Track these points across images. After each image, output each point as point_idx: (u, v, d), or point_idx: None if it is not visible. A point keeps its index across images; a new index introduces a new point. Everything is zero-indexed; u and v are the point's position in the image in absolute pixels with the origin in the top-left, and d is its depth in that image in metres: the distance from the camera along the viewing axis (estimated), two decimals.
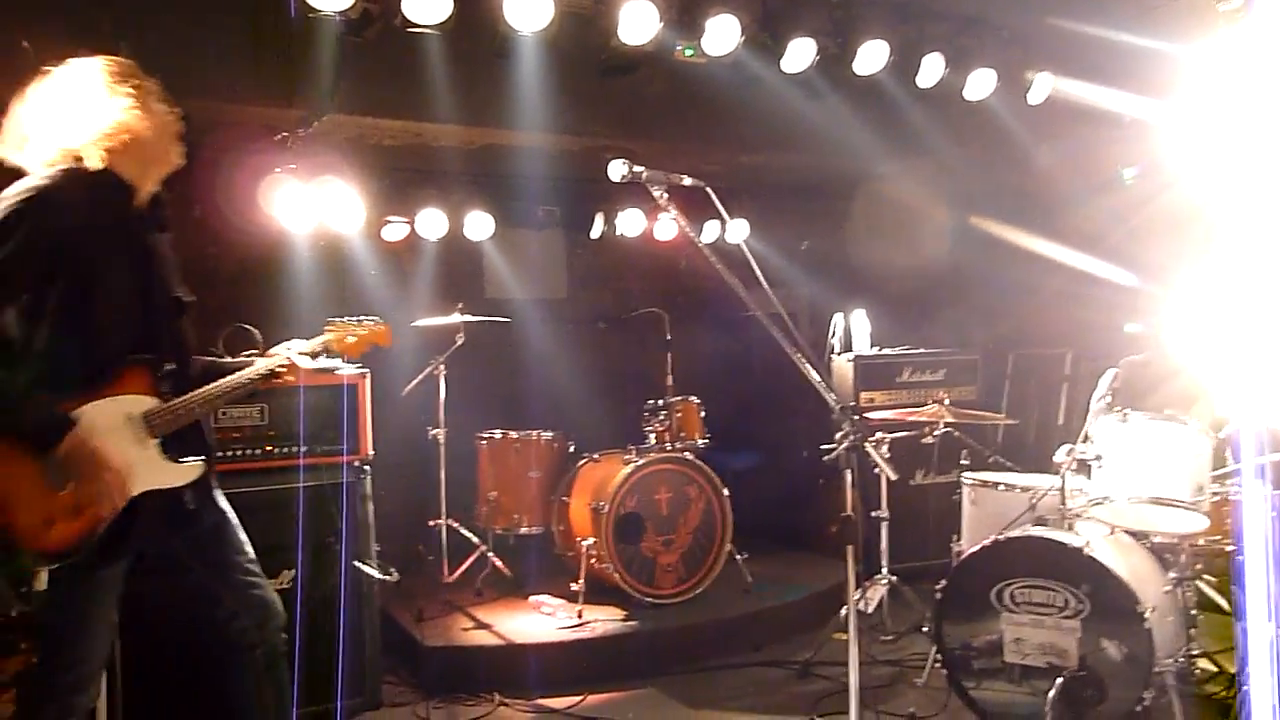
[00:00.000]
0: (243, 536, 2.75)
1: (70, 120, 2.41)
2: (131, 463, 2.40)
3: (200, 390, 2.60)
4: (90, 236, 2.37)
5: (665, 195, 2.95)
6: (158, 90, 2.56)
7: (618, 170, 2.86)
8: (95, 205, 2.40)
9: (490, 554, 5.37)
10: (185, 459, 2.53)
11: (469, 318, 5.38)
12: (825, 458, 2.93)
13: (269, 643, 2.73)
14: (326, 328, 3.01)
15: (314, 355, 2.92)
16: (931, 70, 4.82)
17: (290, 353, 2.86)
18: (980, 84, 5.01)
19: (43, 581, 2.34)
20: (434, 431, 5.46)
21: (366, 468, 4.11)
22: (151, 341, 2.51)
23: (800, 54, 4.52)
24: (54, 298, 2.31)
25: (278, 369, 2.80)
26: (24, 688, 2.57)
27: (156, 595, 3.52)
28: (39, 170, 2.38)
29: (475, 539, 5.45)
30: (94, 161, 2.41)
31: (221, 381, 2.66)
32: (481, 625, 4.76)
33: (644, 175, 2.88)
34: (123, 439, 2.40)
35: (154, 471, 2.46)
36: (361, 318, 3.06)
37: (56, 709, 2.40)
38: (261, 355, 3.82)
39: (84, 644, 2.42)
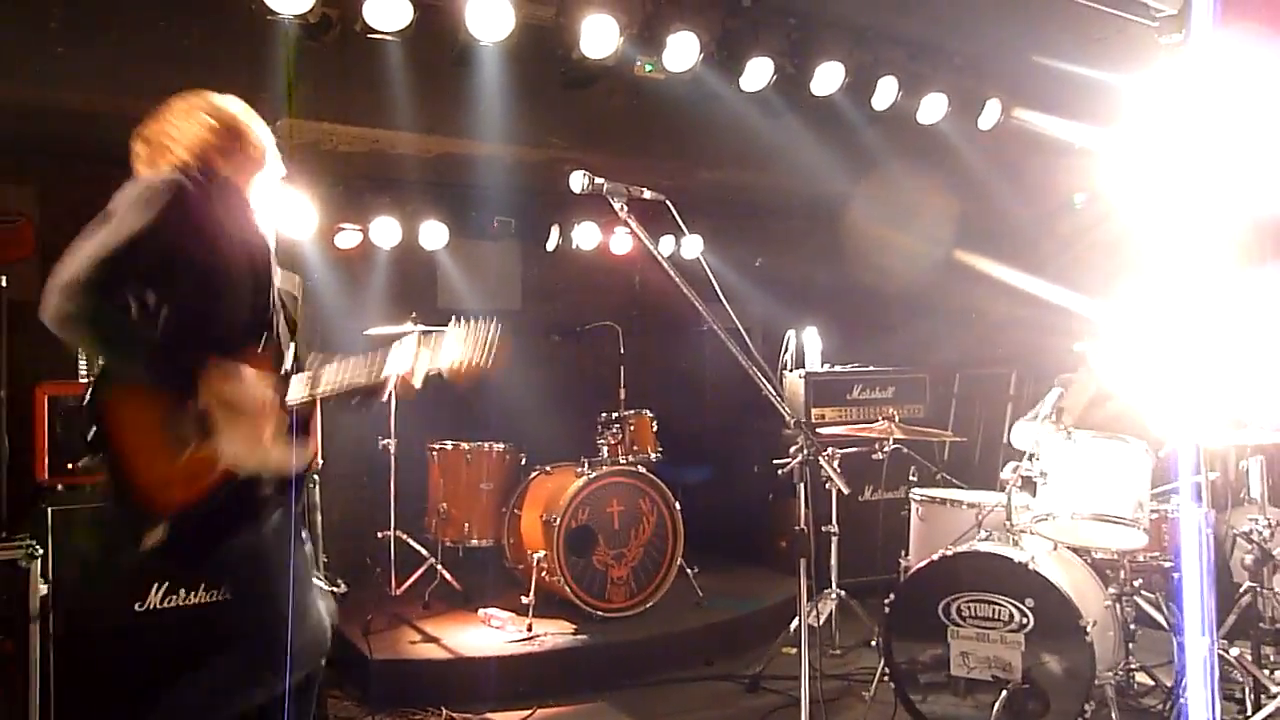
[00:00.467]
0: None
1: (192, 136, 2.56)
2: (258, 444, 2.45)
3: (326, 375, 2.60)
4: (215, 231, 2.46)
5: (625, 208, 2.96)
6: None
7: (578, 182, 2.87)
8: (218, 202, 2.51)
9: (439, 566, 5.32)
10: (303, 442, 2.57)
11: (422, 327, 5.32)
12: (780, 471, 2.95)
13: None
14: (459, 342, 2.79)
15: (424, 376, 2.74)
16: (886, 93, 4.92)
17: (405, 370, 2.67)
18: (932, 108, 5.12)
19: (156, 537, 2.33)
20: (384, 441, 5.39)
21: (315, 477, 4.05)
22: (260, 328, 2.57)
23: (758, 73, 4.58)
24: (181, 283, 2.40)
25: (381, 384, 2.66)
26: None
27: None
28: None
29: (424, 551, 5.39)
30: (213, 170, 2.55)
31: (346, 373, 2.61)
32: (429, 638, 4.71)
33: (604, 187, 2.89)
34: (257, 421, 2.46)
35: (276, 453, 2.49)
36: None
37: None
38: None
39: None
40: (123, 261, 2.31)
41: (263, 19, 3.67)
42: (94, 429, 2.33)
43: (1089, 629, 3.44)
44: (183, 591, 3.66)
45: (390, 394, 2.70)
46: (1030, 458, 3.89)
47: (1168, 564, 3.99)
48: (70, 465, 3.59)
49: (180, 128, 2.57)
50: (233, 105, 2.68)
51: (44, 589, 3.25)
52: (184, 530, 2.37)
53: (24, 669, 3.01)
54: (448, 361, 2.72)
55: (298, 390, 2.57)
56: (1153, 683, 3.92)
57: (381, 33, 3.87)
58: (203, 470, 2.37)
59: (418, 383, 2.67)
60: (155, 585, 3.61)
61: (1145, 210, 4.98)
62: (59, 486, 3.58)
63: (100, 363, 2.42)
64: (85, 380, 3.72)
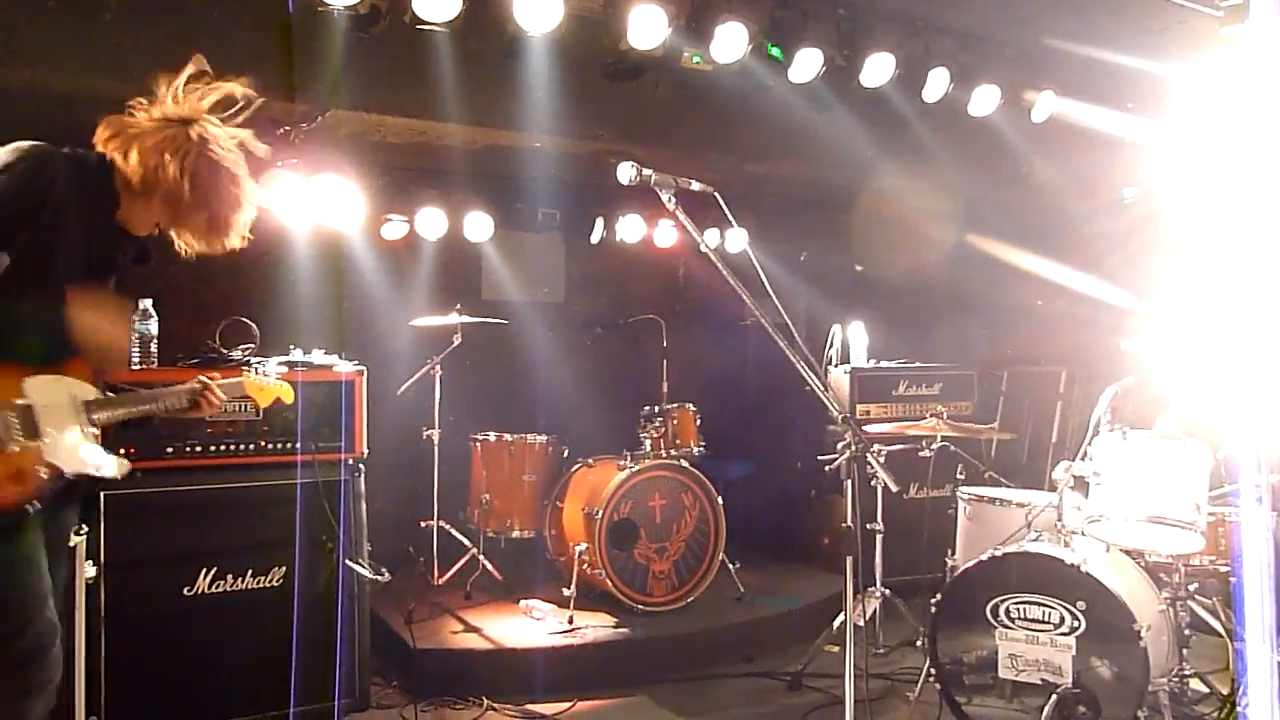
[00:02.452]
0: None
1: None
2: (66, 438, 2.40)
3: (141, 392, 2.67)
4: (70, 207, 2.37)
5: (673, 200, 2.93)
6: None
7: (626, 173, 2.84)
8: (85, 187, 2.42)
9: (481, 557, 5.34)
10: (113, 454, 2.54)
11: (466, 318, 5.36)
12: (826, 468, 2.91)
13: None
14: (247, 374, 3.19)
15: (232, 391, 2.98)
16: (937, 85, 4.83)
17: (217, 388, 2.87)
18: (984, 100, 5.02)
19: None
20: (428, 432, 5.43)
21: (361, 466, 4.08)
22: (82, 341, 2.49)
23: (807, 65, 4.52)
24: (22, 252, 2.30)
25: (196, 395, 2.81)
26: None
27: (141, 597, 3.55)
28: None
29: (466, 541, 5.42)
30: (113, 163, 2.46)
31: (162, 390, 2.73)
32: (471, 629, 4.73)
33: (653, 179, 2.87)
34: (63, 414, 2.41)
35: (76, 457, 2.44)
36: (268, 378, 3.27)
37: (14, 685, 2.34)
38: (256, 351, 3.84)
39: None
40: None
41: (313, 10, 3.69)
42: None
43: (1142, 633, 3.36)
44: (230, 577, 3.72)
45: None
46: (1084, 457, 3.81)
47: (1224, 568, 3.89)
48: (123, 451, 3.64)
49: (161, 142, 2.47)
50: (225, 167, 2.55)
51: (92, 570, 3.31)
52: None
53: (70, 645, 3.06)
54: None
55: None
56: (1207, 690, 3.84)
57: (430, 24, 3.87)
58: (28, 466, 2.32)
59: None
60: (204, 570, 3.67)
61: (1201, 207, 4.85)
62: None
63: None
64: (139, 367, 3.78)
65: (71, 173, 2.40)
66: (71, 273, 2.40)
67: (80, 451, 2.43)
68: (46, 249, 2.34)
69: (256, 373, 3.27)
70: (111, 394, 2.61)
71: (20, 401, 2.31)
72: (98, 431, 2.50)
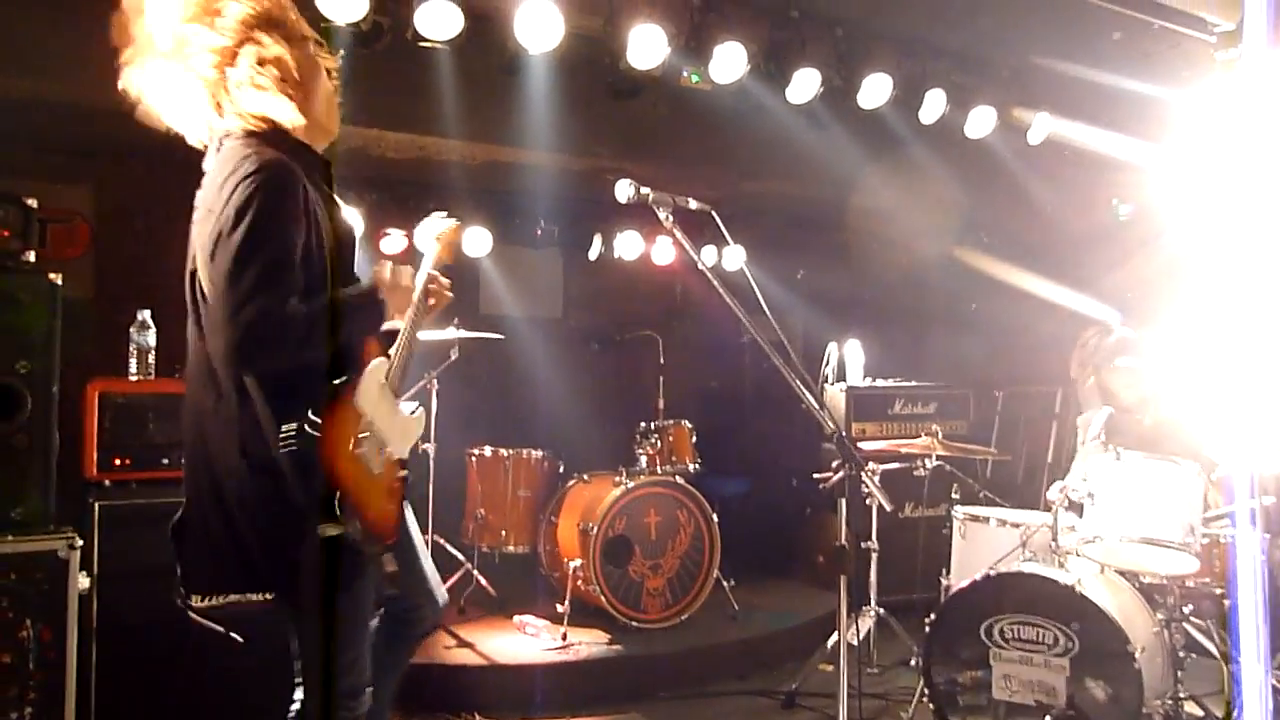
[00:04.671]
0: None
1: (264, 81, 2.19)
2: (400, 427, 2.33)
3: (402, 336, 2.43)
4: (311, 204, 2.18)
5: (670, 218, 2.95)
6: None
7: (624, 190, 2.85)
8: (306, 169, 2.22)
9: (475, 572, 5.33)
10: (411, 410, 2.45)
11: (464, 333, 5.36)
12: (821, 486, 2.91)
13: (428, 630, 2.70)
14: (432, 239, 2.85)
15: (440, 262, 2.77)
16: (933, 106, 4.87)
17: (428, 269, 2.65)
18: (981, 122, 5.06)
19: (391, 564, 2.29)
20: (424, 446, 5.42)
21: None
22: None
23: (805, 85, 4.56)
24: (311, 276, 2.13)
25: (430, 290, 2.59)
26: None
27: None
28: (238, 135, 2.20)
29: (461, 556, 5.40)
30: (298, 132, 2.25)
31: (405, 321, 2.46)
32: (464, 644, 4.71)
33: (650, 197, 2.88)
34: (383, 406, 2.28)
35: (409, 430, 2.40)
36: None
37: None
38: None
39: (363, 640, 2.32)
40: (290, 268, 2.04)
41: (315, 25, 3.71)
42: (325, 490, 2.06)
43: (1137, 655, 3.35)
44: None
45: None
46: (1079, 478, 3.82)
47: (1219, 590, 3.88)
48: (118, 462, 3.64)
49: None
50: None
51: (85, 582, 3.29)
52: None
53: (61, 658, 3.05)
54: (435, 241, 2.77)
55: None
56: (1202, 712, 3.83)
57: (432, 41, 3.91)
58: (393, 476, 2.29)
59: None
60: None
61: (1197, 229, 4.88)
62: (107, 483, 3.64)
63: (280, 421, 2.08)
64: (136, 378, 3.78)
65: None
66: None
67: (409, 430, 2.38)
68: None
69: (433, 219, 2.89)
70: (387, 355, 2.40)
71: (364, 421, 2.19)
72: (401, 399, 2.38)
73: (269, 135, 2.21)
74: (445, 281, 2.66)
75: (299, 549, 2.05)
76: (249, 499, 2.08)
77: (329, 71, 2.43)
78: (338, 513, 2.06)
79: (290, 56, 2.23)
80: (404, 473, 2.37)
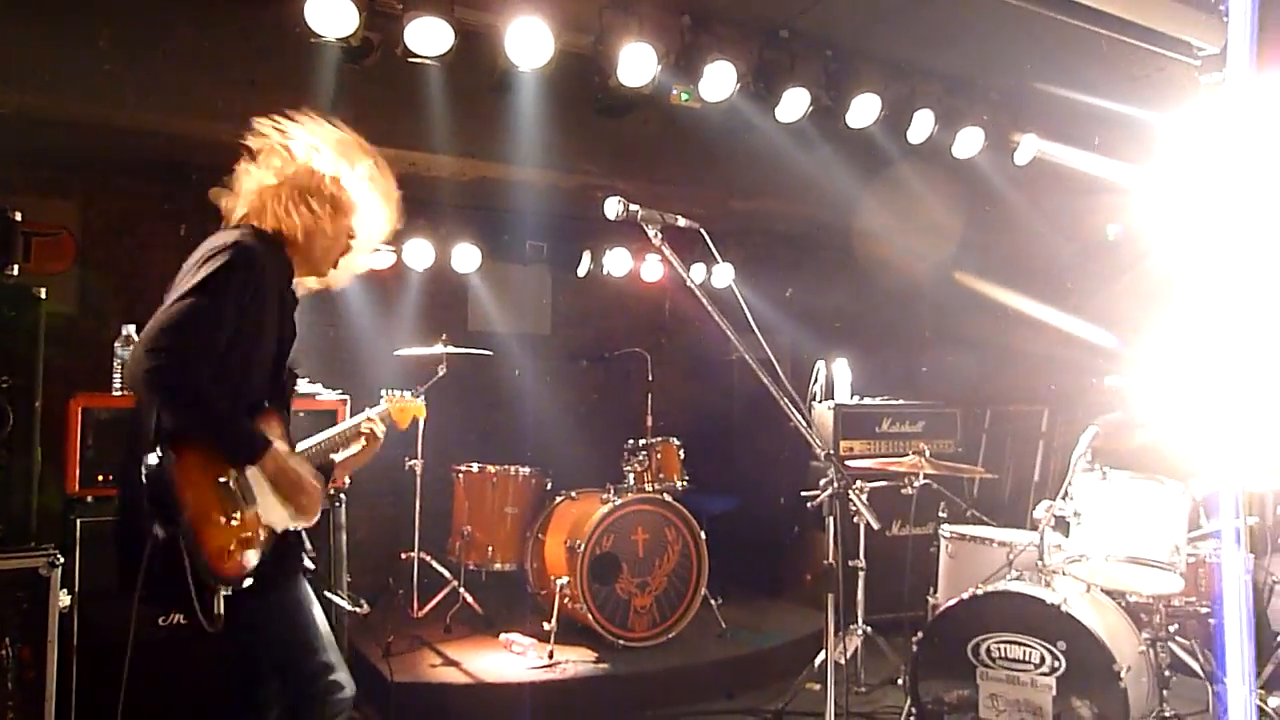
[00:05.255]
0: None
1: (272, 194, 2.54)
2: (274, 505, 2.49)
3: (319, 438, 2.77)
4: (264, 295, 2.45)
5: (659, 235, 2.95)
6: (379, 192, 2.74)
7: (613, 208, 2.86)
8: (277, 267, 2.53)
9: (462, 590, 5.29)
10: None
11: (452, 349, 5.35)
12: (809, 504, 2.91)
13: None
14: (383, 398, 3.18)
15: (385, 419, 3.06)
16: (922, 126, 4.91)
17: (373, 412, 3.02)
18: (968, 142, 5.10)
19: (219, 606, 2.33)
20: (410, 462, 5.40)
21: (342, 496, 4.05)
22: (278, 395, 2.61)
23: (794, 104, 4.59)
24: (237, 334, 2.38)
25: (366, 429, 2.92)
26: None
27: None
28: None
29: (447, 573, 5.37)
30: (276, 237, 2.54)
31: (331, 432, 2.83)
32: (450, 662, 4.68)
33: (639, 214, 2.88)
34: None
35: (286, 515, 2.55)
36: (405, 392, 3.25)
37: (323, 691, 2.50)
38: None
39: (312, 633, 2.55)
40: (210, 332, 2.30)
41: (305, 41, 3.72)
42: (165, 499, 2.25)
43: (1123, 674, 3.36)
44: None
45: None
46: (1064, 497, 3.83)
47: (1204, 610, 3.90)
48: (101, 478, 3.61)
49: (289, 177, 2.55)
50: (357, 172, 2.66)
51: (66, 599, 3.26)
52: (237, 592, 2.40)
53: (41, 677, 3.01)
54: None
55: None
56: None
57: (422, 57, 3.92)
58: (253, 529, 2.40)
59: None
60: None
61: (1183, 250, 4.92)
62: (89, 499, 3.60)
63: (162, 421, 2.33)
64: (119, 394, 3.75)
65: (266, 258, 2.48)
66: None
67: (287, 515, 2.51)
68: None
69: (394, 395, 3.23)
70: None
71: (235, 472, 2.38)
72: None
73: (263, 234, 2.52)
74: (380, 434, 2.95)
75: (141, 548, 2.24)
76: (128, 499, 2.37)
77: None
78: (172, 523, 2.23)
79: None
80: (264, 535, 2.45)
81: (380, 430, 2.95)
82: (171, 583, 2.24)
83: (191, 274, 2.32)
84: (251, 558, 2.38)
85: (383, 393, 3.21)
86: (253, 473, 2.41)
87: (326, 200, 2.58)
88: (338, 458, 2.87)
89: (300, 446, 2.70)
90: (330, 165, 2.60)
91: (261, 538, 2.42)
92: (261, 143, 2.57)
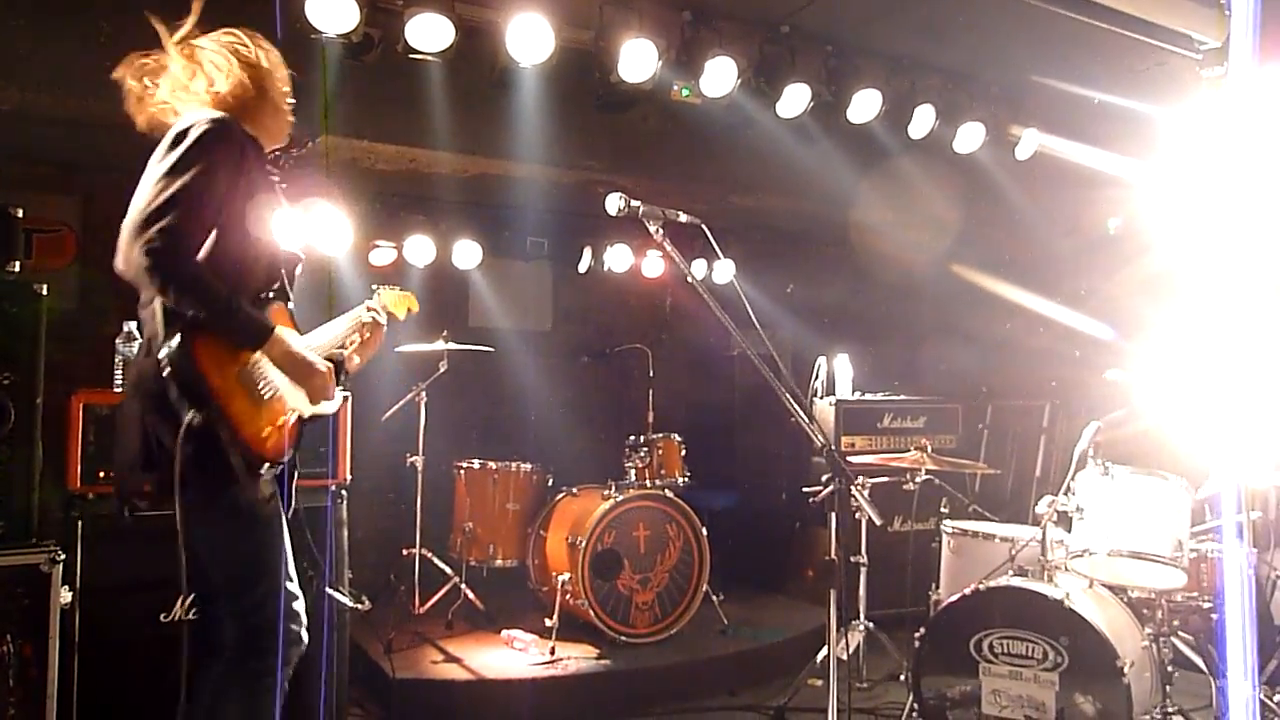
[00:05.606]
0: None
1: (208, 83, 2.48)
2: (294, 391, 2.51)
3: (328, 327, 2.80)
4: (248, 172, 2.40)
5: (660, 231, 2.95)
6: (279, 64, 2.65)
7: (615, 204, 2.86)
8: (250, 142, 2.46)
9: (463, 586, 5.29)
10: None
11: (453, 346, 5.35)
12: (811, 500, 2.91)
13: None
14: (375, 292, 3.19)
15: (381, 310, 3.07)
16: (923, 121, 4.90)
17: (373, 302, 3.05)
18: (969, 137, 5.09)
19: (266, 489, 2.39)
20: (412, 459, 5.40)
21: (344, 492, 4.05)
22: (281, 279, 2.59)
23: (795, 100, 4.59)
24: (220, 226, 2.35)
25: (367, 318, 2.94)
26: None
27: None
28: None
29: (449, 570, 5.37)
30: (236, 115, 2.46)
31: (338, 323, 2.85)
32: (452, 659, 4.68)
33: (640, 210, 2.89)
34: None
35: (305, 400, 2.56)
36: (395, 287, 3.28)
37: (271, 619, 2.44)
38: None
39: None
40: (202, 204, 2.26)
41: (306, 37, 3.71)
42: (192, 383, 2.23)
43: (1126, 670, 3.35)
44: None
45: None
46: (1067, 492, 3.83)
47: (1206, 605, 3.89)
48: (102, 475, 3.61)
49: (219, 67, 2.49)
50: (271, 58, 2.61)
51: (67, 596, 3.26)
52: (283, 478, 2.46)
53: (43, 673, 3.01)
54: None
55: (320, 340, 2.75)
56: None
57: (423, 53, 3.91)
58: (283, 411, 2.42)
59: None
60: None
61: (1185, 244, 4.91)
62: (90, 495, 3.60)
63: (169, 316, 2.31)
64: (120, 390, 3.75)
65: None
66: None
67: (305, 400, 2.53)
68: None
69: (385, 288, 3.24)
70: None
71: (250, 359, 2.38)
72: None
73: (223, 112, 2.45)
74: (383, 321, 3.00)
75: (174, 441, 2.20)
76: (148, 394, 2.28)
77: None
78: (205, 405, 2.22)
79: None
80: (304, 417, 2.52)
81: (382, 318, 2.97)
82: (214, 465, 2.22)
83: (161, 159, 2.28)
84: (289, 440, 2.40)
85: (374, 287, 3.22)
86: (267, 361, 2.41)
87: (250, 62, 2.53)
88: (345, 352, 2.87)
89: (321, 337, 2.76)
90: (221, 38, 2.55)
91: (292, 421, 2.43)
92: (149, 61, 2.51)
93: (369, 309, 2.96)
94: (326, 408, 2.60)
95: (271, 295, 2.52)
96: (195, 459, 2.21)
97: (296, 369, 2.45)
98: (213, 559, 2.43)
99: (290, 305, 2.62)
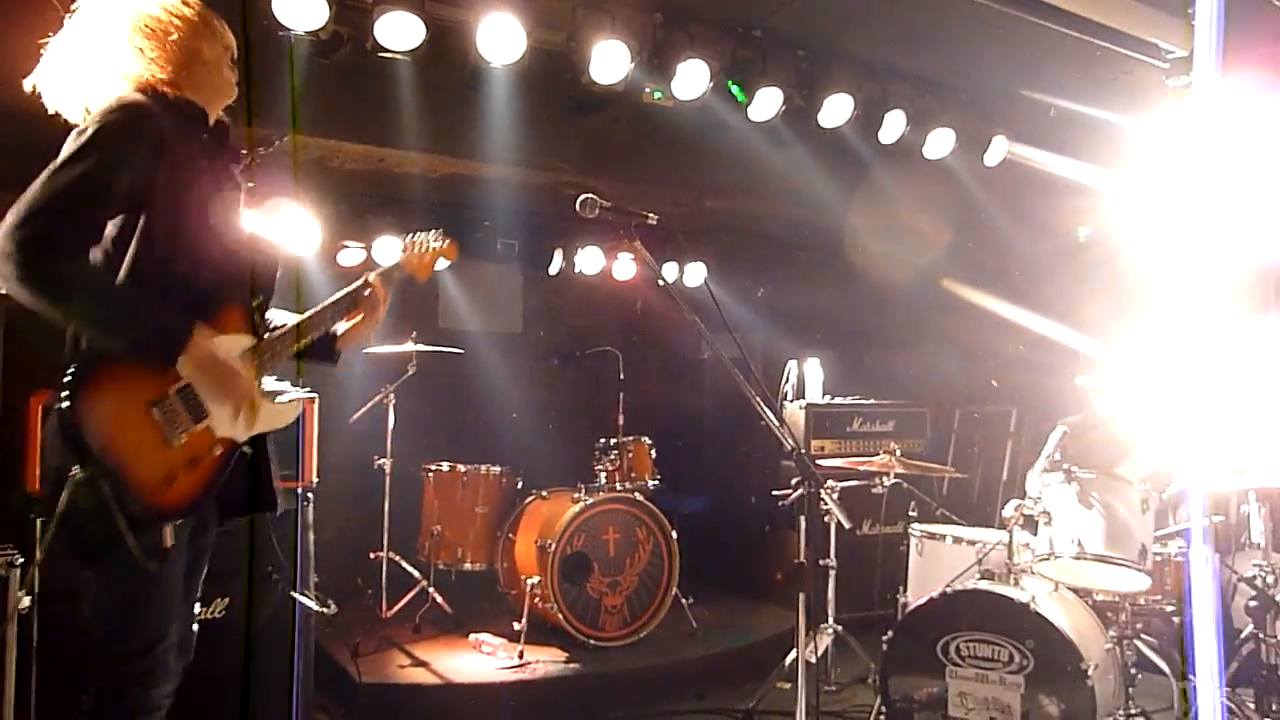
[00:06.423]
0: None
1: (131, 49, 2.19)
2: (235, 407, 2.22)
3: (293, 322, 2.45)
4: (178, 159, 2.14)
5: (631, 233, 2.94)
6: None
7: (586, 206, 2.85)
8: (180, 127, 2.18)
9: (431, 589, 5.25)
10: (285, 397, 2.39)
11: (421, 347, 5.31)
12: (780, 503, 2.91)
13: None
14: (402, 247, 2.88)
15: (391, 275, 2.74)
16: (893, 127, 4.92)
17: (372, 275, 2.68)
18: (939, 143, 5.12)
19: (168, 539, 2.10)
20: (380, 461, 5.35)
21: (310, 495, 4.00)
22: (237, 277, 2.30)
23: (767, 104, 4.59)
24: (144, 224, 2.10)
25: (361, 292, 2.63)
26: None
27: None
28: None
29: (416, 573, 5.33)
30: (167, 88, 2.20)
31: (311, 312, 2.50)
32: (419, 663, 4.64)
33: (611, 212, 2.88)
34: (221, 381, 2.20)
35: (266, 412, 2.30)
36: (430, 232, 2.92)
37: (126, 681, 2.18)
38: None
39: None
40: (86, 205, 2.01)
41: (273, 34, 3.67)
42: (74, 438, 2.00)
43: (1090, 672, 3.39)
44: None
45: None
46: (1028, 496, 3.86)
47: (1170, 608, 3.94)
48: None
49: (104, 43, 2.19)
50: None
51: (26, 601, 3.19)
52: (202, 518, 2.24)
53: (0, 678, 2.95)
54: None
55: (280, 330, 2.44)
56: None
57: (392, 52, 3.87)
58: (203, 449, 2.16)
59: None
60: None
61: (1151, 252, 4.98)
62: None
63: (67, 351, 2.10)
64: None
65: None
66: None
67: (268, 417, 2.28)
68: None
69: (415, 240, 2.88)
70: (270, 334, 2.39)
71: (176, 386, 2.11)
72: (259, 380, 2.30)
73: (145, 92, 2.19)
74: (381, 300, 2.66)
75: (57, 493, 2.02)
76: (51, 435, 2.09)
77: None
78: (87, 460, 1.99)
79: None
80: (237, 450, 2.25)
81: (381, 296, 2.65)
82: (100, 523, 1.99)
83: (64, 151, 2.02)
84: (204, 481, 2.14)
85: (404, 239, 2.88)
86: (200, 379, 2.14)
87: (174, 25, 2.22)
88: (339, 330, 2.65)
89: (297, 319, 2.48)
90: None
91: (218, 454, 2.18)
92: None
93: (369, 283, 2.64)
94: (277, 422, 2.34)
95: (225, 296, 2.25)
96: (71, 517, 2.02)
97: (215, 381, 2.15)
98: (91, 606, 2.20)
99: (256, 307, 2.36)
